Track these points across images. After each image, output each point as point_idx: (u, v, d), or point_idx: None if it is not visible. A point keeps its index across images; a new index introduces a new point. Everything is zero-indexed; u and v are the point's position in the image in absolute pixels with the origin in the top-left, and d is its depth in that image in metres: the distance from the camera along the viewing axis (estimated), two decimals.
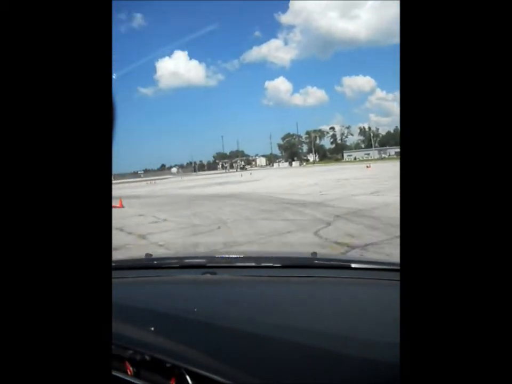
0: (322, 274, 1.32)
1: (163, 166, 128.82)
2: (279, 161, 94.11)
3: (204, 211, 10.53)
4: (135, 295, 1.20)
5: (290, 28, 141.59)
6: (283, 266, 1.41)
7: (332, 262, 1.51)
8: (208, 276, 1.34)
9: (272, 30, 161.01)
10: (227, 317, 0.94)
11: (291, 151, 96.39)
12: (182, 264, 1.55)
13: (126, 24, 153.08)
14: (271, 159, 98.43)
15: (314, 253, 1.52)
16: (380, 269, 1.33)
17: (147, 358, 0.76)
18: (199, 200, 14.48)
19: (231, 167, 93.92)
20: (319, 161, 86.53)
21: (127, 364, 0.77)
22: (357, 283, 1.23)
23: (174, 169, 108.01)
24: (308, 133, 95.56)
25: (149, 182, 49.47)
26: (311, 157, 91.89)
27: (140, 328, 0.88)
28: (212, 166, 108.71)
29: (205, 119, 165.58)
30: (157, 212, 11.37)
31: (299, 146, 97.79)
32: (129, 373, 0.76)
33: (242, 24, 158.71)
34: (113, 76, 0.53)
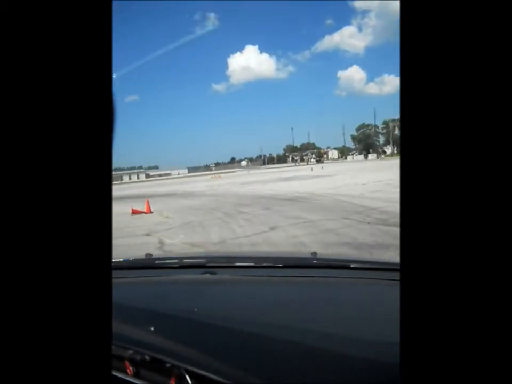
0: (322, 274, 1.30)
1: (233, 159, 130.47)
2: (352, 154, 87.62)
3: (243, 235, 6.57)
4: (135, 295, 1.18)
5: (365, 12, 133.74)
6: (283, 266, 1.40)
7: (331, 262, 1.48)
8: (208, 275, 1.33)
9: (345, 16, 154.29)
10: (227, 317, 0.94)
11: (366, 142, 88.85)
12: (182, 264, 1.54)
13: (201, 24, 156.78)
14: (343, 152, 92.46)
15: (314, 253, 1.52)
16: (380, 269, 1.32)
17: (147, 358, 0.75)
18: (248, 206, 10.61)
19: (302, 160, 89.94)
20: (397, 153, 78.68)
21: (127, 364, 0.77)
22: (357, 283, 1.22)
23: (243, 163, 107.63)
24: (385, 122, 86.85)
25: (213, 176, 49.68)
26: (388, 149, 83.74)
27: (140, 328, 0.87)
28: (281, 159, 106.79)
29: (275, 112, 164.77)
30: (179, 227, 8.05)
31: (375, 137, 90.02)
32: (129, 373, 0.76)
33: (314, 13, 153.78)
34: (113, 76, 0.53)
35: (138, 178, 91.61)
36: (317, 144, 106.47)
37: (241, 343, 0.81)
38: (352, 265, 1.33)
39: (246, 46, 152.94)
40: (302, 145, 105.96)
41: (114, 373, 0.72)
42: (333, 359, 0.73)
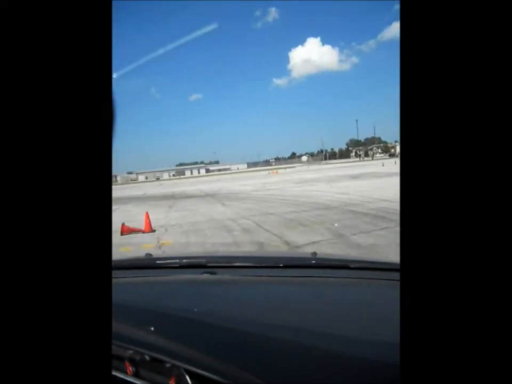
0: (322, 274, 1.28)
1: (293, 154, 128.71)
2: None
3: None
4: (135, 295, 1.17)
5: None
6: (283, 266, 1.39)
7: (331, 262, 1.47)
8: (208, 275, 1.31)
9: None
10: (227, 317, 0.93)
11: None
12: (182, 264, 1.52)
13: (262, 20, 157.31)
14: None
15: (314, 253, 1.49)
16: (379, 269, 1.30)
17: (147, 358, 0.75)
18: (306, 228, 6.37)
19: (366, 155, 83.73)
20: None
21: (127, 364, 0.76)
22: (357, 283, 1.21)
23: (304, 158, 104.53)
24: None
25: (271, 171, 46.29)
26: None
27: (140, 328, 0.87)
28: (344, 154, 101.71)
29: (337, 105, 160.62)
30: None
31: None
32: (129, 372, 0.75)
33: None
34: (113, 76, 0.52)
35: (199, 173, 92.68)
36: (383, 138, 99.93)
37: (241, 343, 0.79)
38: (352, 265, 1.33)
39: (308, 39, 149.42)
40: (366, 139, 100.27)
41: (114, 373, 0.72)
42: (333, 359, 0.72)
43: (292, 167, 63.81)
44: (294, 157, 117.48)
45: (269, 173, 42.93)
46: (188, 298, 1.10)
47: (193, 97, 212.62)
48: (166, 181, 60.56)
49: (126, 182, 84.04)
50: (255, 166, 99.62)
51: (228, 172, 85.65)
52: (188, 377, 0.68)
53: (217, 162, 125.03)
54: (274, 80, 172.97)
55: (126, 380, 0.72)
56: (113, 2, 0.49)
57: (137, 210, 11.85)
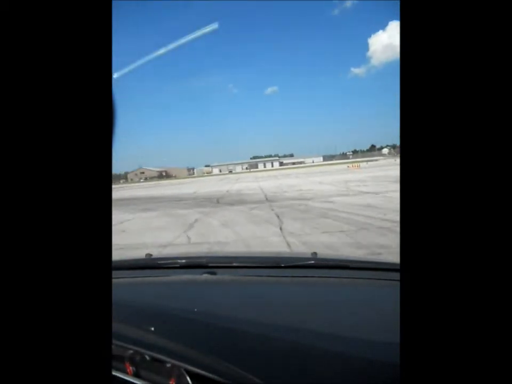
0: (322, 274, 1.28)
1: (373, 146, 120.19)
2: None
3: None
4: (135, 295, 1.17)
5: None
6: (283, 266, 1.39)
7: (331, 262, 1.47)
8: (208, 276, 1.31)
9: None
10: (227, 317, 0.92)
11: None
12: (182, 264, 1.51)
13: (340, 7, 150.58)
14: None
15: (314, 253, 1.49)
16: (379, 269, 1.30)
17: (147, 358, 0.75)
18: None
19: None
20: None
21: (127, 364, 0.76)
22: (357, 283, 1.20)
23: (385, 150, 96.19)
24: None
25: (350, 165, 39.61)
26: None
27: (140, 328, 0.86)
28: None
29: None
30: None
31: None
32: (129, 372, 0.75)
33: None
34: (114, 76, 0.52)
35: (272, 166, 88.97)
36: None
37: (241, 343, 0.79)
38: (352, 265, 1.33)
39: (390, 22, 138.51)
40: None
41: (114, 373, 0.72)
42: (332, 359, 0.72)
43: (374, 160, 56.31)
44: (373, 150, 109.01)
45: (348, 166, 36.68)
46: (188, 298, 1.09)
47: (269, 90, 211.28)
48: (235, 175, 57.18)
49: (202, 175, 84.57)
50: (332, 159, 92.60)
51: (302, 165, 79.68)
52: (188, 377, 0.68)
53: (291, 155, 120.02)
54: (352, 69, 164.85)
55: (126, 380, 0.71)
56: (113, 2, 0.49)
57: (138, 233, 7.89)
